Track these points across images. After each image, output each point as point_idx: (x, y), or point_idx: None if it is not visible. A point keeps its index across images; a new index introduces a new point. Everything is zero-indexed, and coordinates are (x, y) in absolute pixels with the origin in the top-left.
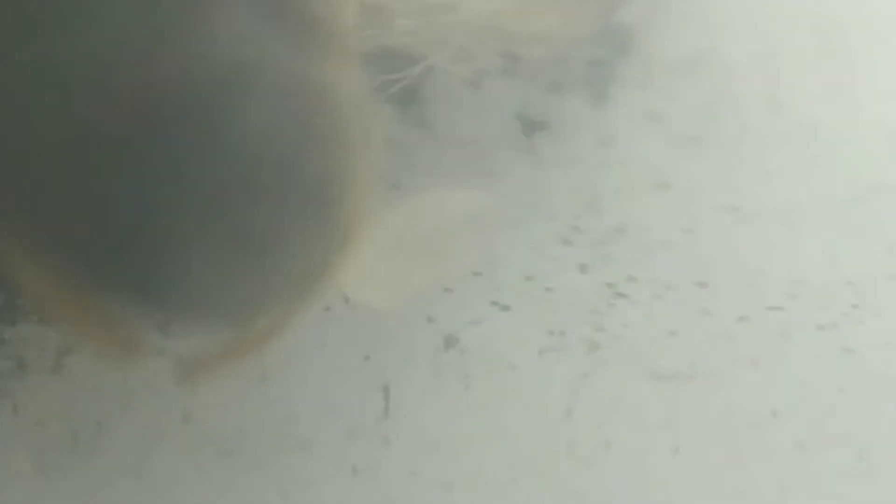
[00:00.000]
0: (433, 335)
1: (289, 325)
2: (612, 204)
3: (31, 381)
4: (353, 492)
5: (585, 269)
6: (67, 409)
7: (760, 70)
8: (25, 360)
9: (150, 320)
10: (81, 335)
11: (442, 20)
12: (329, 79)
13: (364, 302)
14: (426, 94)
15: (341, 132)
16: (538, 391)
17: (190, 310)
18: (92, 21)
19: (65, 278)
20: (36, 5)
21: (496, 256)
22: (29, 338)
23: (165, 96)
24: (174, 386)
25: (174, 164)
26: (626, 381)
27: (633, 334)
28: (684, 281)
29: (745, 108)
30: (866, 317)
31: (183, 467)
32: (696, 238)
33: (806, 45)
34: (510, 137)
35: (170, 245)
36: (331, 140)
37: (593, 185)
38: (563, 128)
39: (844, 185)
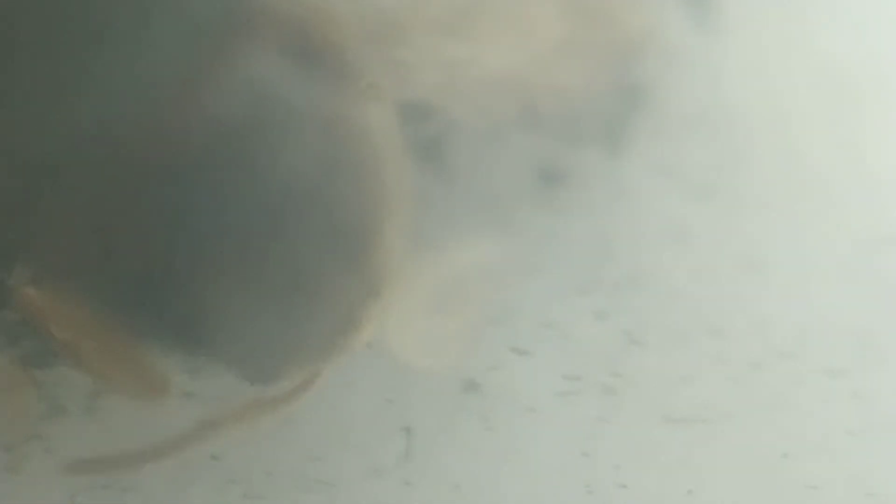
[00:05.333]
0: (454, 379)
1: (318, 379)
2: (628, 254)
3: (64, 423)
4: None
5: (601, 317)
6: (100, 450)
7: (772, 123)
8: (59, 401)
9: (180, 364)
10: (110, 377)
11: (462, 74)
12: (363, 123)
13: (397, 358)
14: (446, 147)
15: (375, 176)
16: (556, 434)
17: (222, 356)
18: (130, 59)
19: (96, 320)
20: (79, 39)
21: (515, 304)
22: (62, 380)
23: (201, 139)
24: (198, 430)
25: (210, 206)
26: (642, 425)
27: (648, 379)
28: (698, 328)
29: (756, 161)
30: (876, 363)
31: None
32: (709, 287)
33: (818, 98)
34: (529, 189)
35: (205, 289)
36: (364, 183)
37: (609, 236)
38: (581, 179)
39: (854, 235)
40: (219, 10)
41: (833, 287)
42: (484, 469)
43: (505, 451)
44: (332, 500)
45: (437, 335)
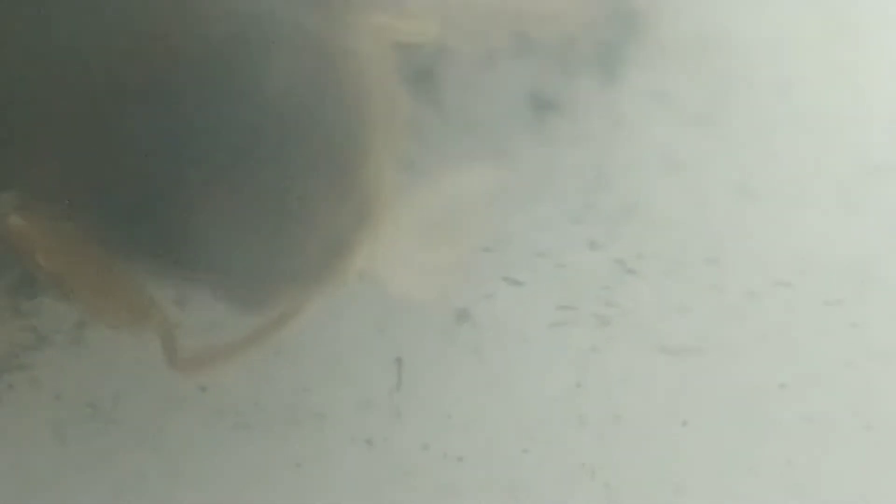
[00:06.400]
0: (446, 310)
1: (306, 307)
2: (622, 182)
3: (49, 354)
4: (366, 463)
5: (595, 246)
6: (85, 381)
7: (769, 51)
8: (44, 333)
9: (166, 287)
10: (97, 307)
11: (453, 1)
12: (349, 42)
13: (388, 288)
14: (438, 75)
15: (361, 95)
16: (549, 365)
17: (211, 280)
18: None
19: (85, 241)
20: None
21: (507, 233)
22: (47, 311)
23: (188, 58)
24: (185, 371)
25: (195, 122)
26: (636, 355)
27: (643, 309)
28: (693, 257)
29: (753, 89)
30: (873, 293)
31: (198, 439)
32: (705, 215)
33: (814, 28)
34: (521, 117)
35: (191, 206)
36: (351, 101)
37: (603, 164)
38: (574, 108)
39: (851, 164)
40: None
41: (829, 216)
42: (476, 400)
43: (497, 382)
44: (322, 432)
45: (428, 265)
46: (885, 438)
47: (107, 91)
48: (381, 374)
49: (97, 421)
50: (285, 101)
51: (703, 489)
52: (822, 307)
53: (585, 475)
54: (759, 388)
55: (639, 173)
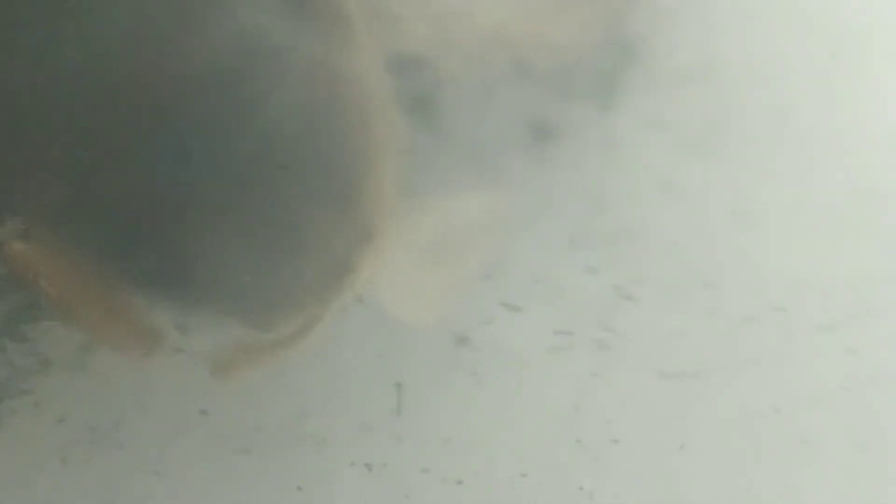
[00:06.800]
0: (445, 334)
1: (314, 326)
2: (620, 208)
3: (52, 378)
4: (366, 487)
5: (593, 271)
6: (88, 405)
7: (764, 78)
8: (47, 357)
9: (169, 311)
10: (100, 332)
11: (454, 28)
12: (352, 70)
13: (388, 313)
14: (438, 101)
15: (364, 121)
16: (547, 389)
17: (210, 299)
18: (123, 8)
19: (88, 272)
20: None
21: (506, 259)
22: (50, 335)
23: (191, 83)
24: (210, 375)
25: (197, 148)
26: (633, 380)
27: (640, 334)
28: (690, 282)
29: (749, 115)
30: (868, 318)
31: (200, 463)
32: (702, 241)
33: (808, 52)
34: (520, 143)
35: (194, 232)
36: (353, 128)
37: (601, 190)
38: (572, 134)
39: (847, 189)
40: None
41: (825, 241)
42: (475, 424)
43: (496, 407)
44: (322, 455)
45: (428, 290)
46: (880, 460)
47: (111, 118)
48: (381, 398)
49: (99, 444)
50: (287, 127)
51: None
52: (817, 332)
53: (584, 498)
54: (755, 412)
55: (636, 199)
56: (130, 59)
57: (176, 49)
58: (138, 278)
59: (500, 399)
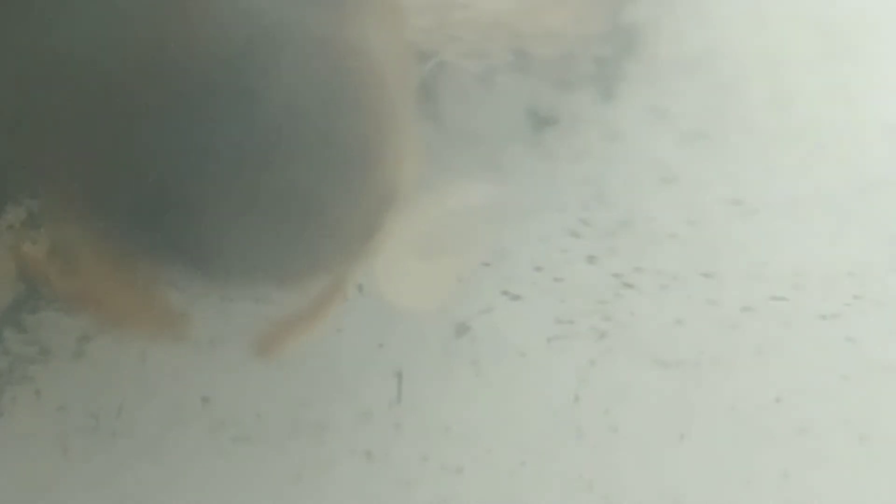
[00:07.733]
0: (445, 323)
1: (345, 288)
2: (619, 197)
3: (53, 367)
4: (366, 475)
5: (593, 261)
6: (88, 393)
7: (764, 67)
8: (47, 346)
9: (191, 285)
10: (130, 318)
11: (454, 17)
12: (363, 40)
13: (388, 302)
14: (438, 90)
15: (377, 92)
16: (547, 378)
17: (232, 273)
18: None
19: (101, 253)
20: None
21: (506, 248)
22: (51, 324)
23: (201, 62)
24: (257, 356)
25: (212, 127)
26: (633, 369)
27: (640, 323)
28: (690, 272)
29: (748, 105)
30: (868, 307)
31: (200, 451)
32: (702, 230)
33: (808, 43)
34: (520, 132)
35: (206, 212)
36: (366, 99)
37: (601, 179)
38: (572, 123)
39: (846, 179)
40: None
41: (825, 230)
42: (474, 412)
43: (496, 395)
44: (322, 444)
45: (427, 279)
46: (880, 450)
47: (121, 100)
48: (380, 386)
49: (100, 433)
50: (298, 105)
51: (700, 501)
52: (817, 321)
53: (583, 487)
54: (754, 401)
55: (636, 188)
56: (137, 42)
57: (183, 29)
58: (151, 261)
59: (500, 388)
